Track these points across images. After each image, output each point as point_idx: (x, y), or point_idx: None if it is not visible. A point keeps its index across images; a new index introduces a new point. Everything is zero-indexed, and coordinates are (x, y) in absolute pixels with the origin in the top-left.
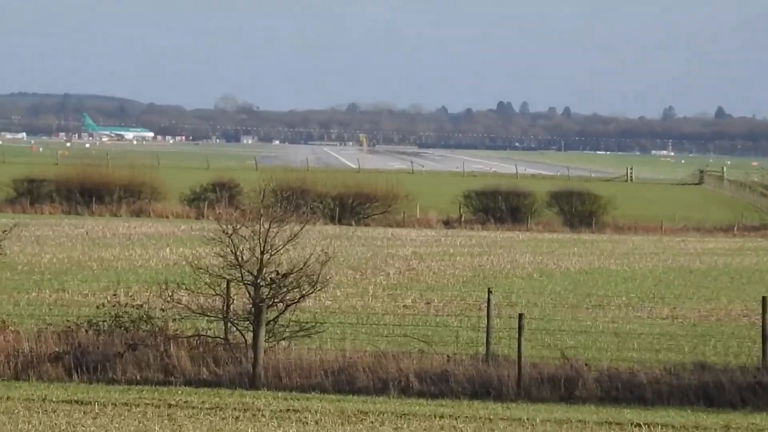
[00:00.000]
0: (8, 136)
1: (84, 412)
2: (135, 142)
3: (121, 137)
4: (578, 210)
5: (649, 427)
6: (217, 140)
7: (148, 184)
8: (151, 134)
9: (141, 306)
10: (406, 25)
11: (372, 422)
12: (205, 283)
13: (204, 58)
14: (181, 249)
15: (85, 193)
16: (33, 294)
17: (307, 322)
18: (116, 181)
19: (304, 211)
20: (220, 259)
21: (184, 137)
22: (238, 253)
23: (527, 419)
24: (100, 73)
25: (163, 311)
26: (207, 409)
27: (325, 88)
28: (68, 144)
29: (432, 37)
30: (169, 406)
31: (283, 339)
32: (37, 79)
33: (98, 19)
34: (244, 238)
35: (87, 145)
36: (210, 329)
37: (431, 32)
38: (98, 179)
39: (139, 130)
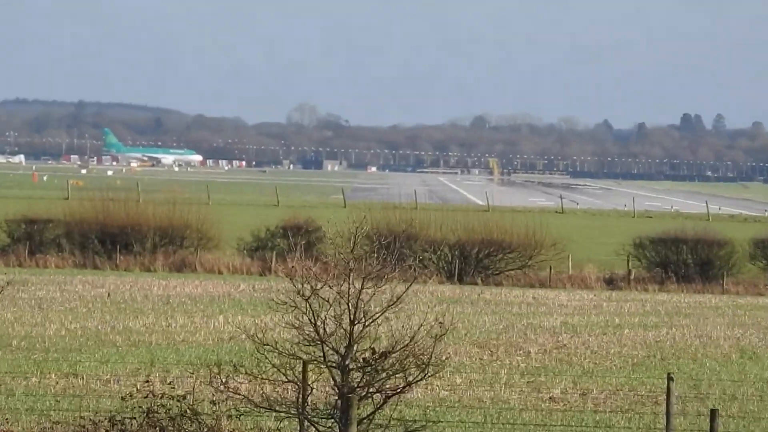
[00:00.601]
0: (1, 159)
1: None
2: (177, 169)
3: (157, 162)
4: None
5: None
6: (291, 166)
7: (194, 226)
8: (199, 158)
9: (183, 397)
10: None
11: None
12: (273, 366)
13: (271, 53)
14: (240, 317)
15: (107, 240)
16: (34, 380)
17: (414, 421)
18: (150, 222)
19: (411, 264)
20: (294, 331)
21: (244, 162)
22: (318, 324)
23: None
24: (128, 74)
25: (215, 405)
26: None
27: (441, 96)
28: (84, 171)
29: None
30: None
31: None
32: (42, 82)
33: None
34: (328, 302)
35: (110, 173)
36: (280, 430)
37: None
38: (125, 220)
39: (182, 152)
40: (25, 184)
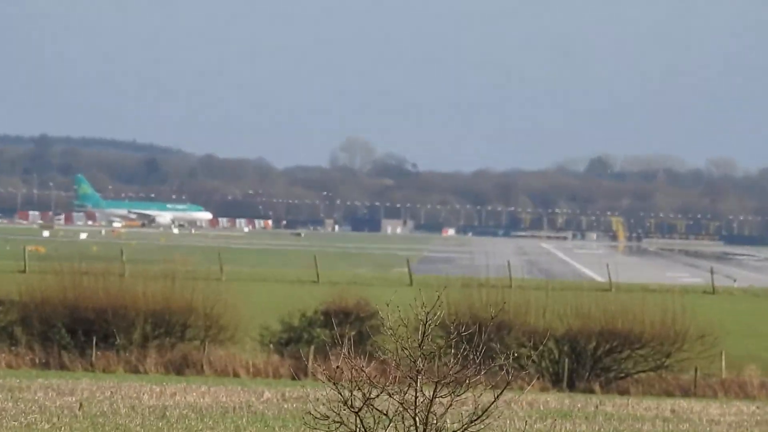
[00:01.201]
0: None
1: None
2: (177, 231)
3: (149, 221)
4: None
5: None
6: (337, 227)
7: (200, 311)
8: (208, 215)
9: None
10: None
11: None
12: None
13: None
14: None
15: (78, 329)
16: None
17: None
18: (139, 305)
19: (502, 365)
20: None
21: (270, 221)
22: None
23: None
24: (110, 99)
25: None
26: None
27: (540, 133)
28: (46, 233)
29: None
30: None
31: None
32: None
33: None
34: (386, 416)
35: (83, 236)
36: None
37: None
38: (104, 302)
39: (184, 207)
40: None
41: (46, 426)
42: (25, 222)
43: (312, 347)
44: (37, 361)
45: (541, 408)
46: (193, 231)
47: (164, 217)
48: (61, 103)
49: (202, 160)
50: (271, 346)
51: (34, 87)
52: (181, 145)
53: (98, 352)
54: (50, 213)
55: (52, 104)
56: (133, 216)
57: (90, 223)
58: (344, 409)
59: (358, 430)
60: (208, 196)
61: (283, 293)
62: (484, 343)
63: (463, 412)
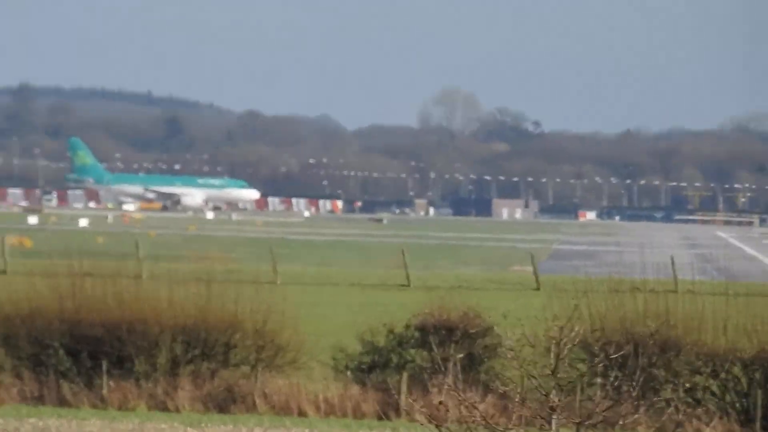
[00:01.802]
0: None
1: None
2: (211, 215)
3: (173, 201)
4: None
5: None
6: (432, 210)
7: (248, 326)
8: (254, 194)
9: None
10: None
11: None
12: None
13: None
14: None
15: (82, 350)
16: None
17: None
18: (165, 318)
19: (669, 400)
20: None
21: (340, 202)
22: None
23: None
24: (118, 35)
25: None
26: None
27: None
28: (32, 219)
29: None
30: None
31: None
32: None
33: None
34: None
35: (83, 223)
36: None
37: None
38: (116, 313)
39: (220, 182)
40: None
41: None
42: (2, 204)
43: (405, 375)
44: (27, 393)
45: None
46: (233, 216)
47: (194, 196)
48: (49, 43)
49: (242, 118)
50: (349, 373)
51: (13, 20)
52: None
53: (111, 382)
54: (37, 191)
55: (35, 44)
56: (151, 195)
57: (92, 205)
58: None
59: None
60: (253, 167)
61: (362, 301)
62: (642, 369)
63: None
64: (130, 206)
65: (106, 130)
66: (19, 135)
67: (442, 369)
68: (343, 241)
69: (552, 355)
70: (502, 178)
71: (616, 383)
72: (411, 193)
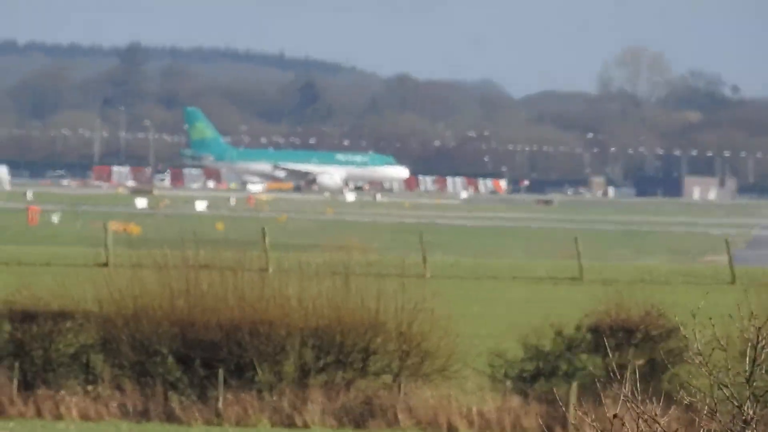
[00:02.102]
0: None
1: None
2: (353, 198)
3: (307, 181)
4: None
5: None
6: (611, 189)
7: (392, 330)
8: (403, 172)
9: None
10: None
11: None
12: None
13: None
14: None
15: (196, 358)
16: None
17: None
18: (293, 318)
19: None
20: None
21: (503, 181)
22: None
23: None
24: None
25: None
26: None
27: None
28: (141, 202)
29: None
30: None
31: None
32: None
33: None
34: None
35: (201, 206)
36: None
37: None
38: (236, 314)
39: (364, 159)
40: (11, 230)
41: None
42: (106, 184)
43: (574, 385)
44: (129, 408)
45: None
46: (378, 197)
47: (331, 175)
48: None
49: (389, 83)
50: (508, 383)
51: None
52: (355, 61)
53: (228, 394)
54: (147, 170)
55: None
56: (282, 174)
57: (211, 185)
58: None
59: None
60: (402, 141)
61: (525, 298)
62: None
63: None
64: (256, 186)
65: (230, 98)
66: (127, 104)
67: (618, 377)
68: (505, 227)
69: (747, 360)
70: (694, 152)
71: None
72: (587, 171)
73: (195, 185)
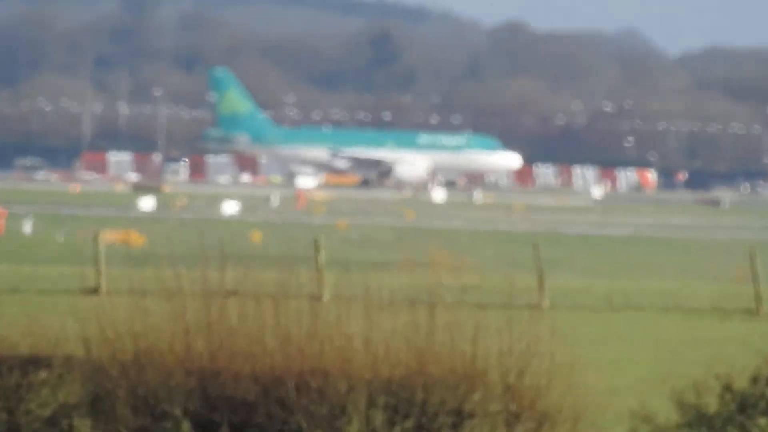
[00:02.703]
0: None
1: None
2: (442, 197)
3: (380, 172)
4: None
5: None
6: None
7: (495, 381)
8: (513, 160)
9: None
10: None
11: None
12: None
13: None
14: None
15: (223, 420)
16: None
17: None
18: (358, 367)
19: None
20: None
21: (651, 173)
22: None
23: None
24: None
25: None
26: None
27: None
28: (147, 202)
29: None
30: None
31: None
32: None
33: None
34: None
35: (230, 207)
36: None
37: None
38: (277, 362)
39: (459, 142)
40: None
41: None
42: (99, 177)
43: None
44: None
45: None
46: (477, 196)
47: (413, 164)
48: None
49: (495, 36)
50: None
51: None
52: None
53: None
54: (155, 157)
55: None
56: (344, 164)
57: (246, 178)
58: None
59: None
60: (512, 116)
61: (681, 337)
62: None
63: None
64: (308, 180)
65: (272, 56)
66: (130, 65)
67: None
68: (654, 238)
69: None
70: None
71: None
72: None
73: (223, 178)
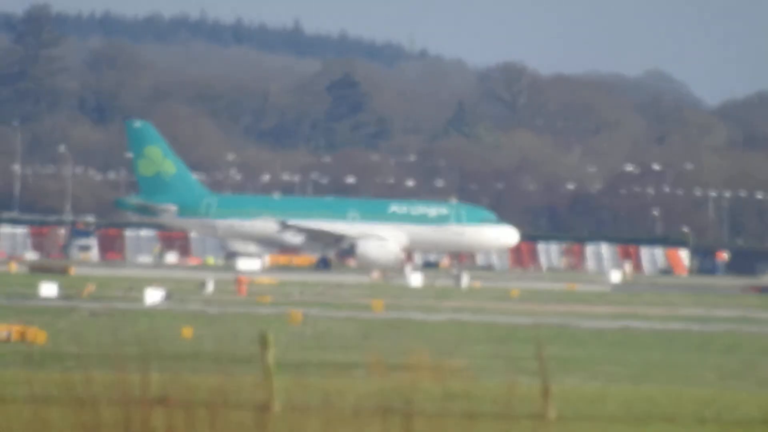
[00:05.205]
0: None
1: None
2: (418, 280)
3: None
4: None
5: None
6: None
7: None
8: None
9: None
10: None
11: None
12: None
13: None
14: None
15: None
16: None
17: None
18: None
19: None
20: None
21: (683, 252)
22: None
23: None
24: None
25: None
26: None
27: None
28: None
29: None
30: None
31: None
32: None
33: None
34: None
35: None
36: None
37: None
38: None
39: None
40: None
41: None
42: None
43: None
44: None
45: None
46: (464, 279)
47: (383, 240)
48: None
49: (486, 77)
50: None
51: None
52: (425, 42)
53: None
54: (59, 230)
55: None
56: (297, 238)
57: (173, 258)
58: None
59: None
60: (507, 179)
61: None
62: None
63: None
64: (251, 261)
65: (206, 104)
66: (26, 114)
67: None
68: (687, 333)
69: None
70: None
71: None
72: None
73: (144, 258)
